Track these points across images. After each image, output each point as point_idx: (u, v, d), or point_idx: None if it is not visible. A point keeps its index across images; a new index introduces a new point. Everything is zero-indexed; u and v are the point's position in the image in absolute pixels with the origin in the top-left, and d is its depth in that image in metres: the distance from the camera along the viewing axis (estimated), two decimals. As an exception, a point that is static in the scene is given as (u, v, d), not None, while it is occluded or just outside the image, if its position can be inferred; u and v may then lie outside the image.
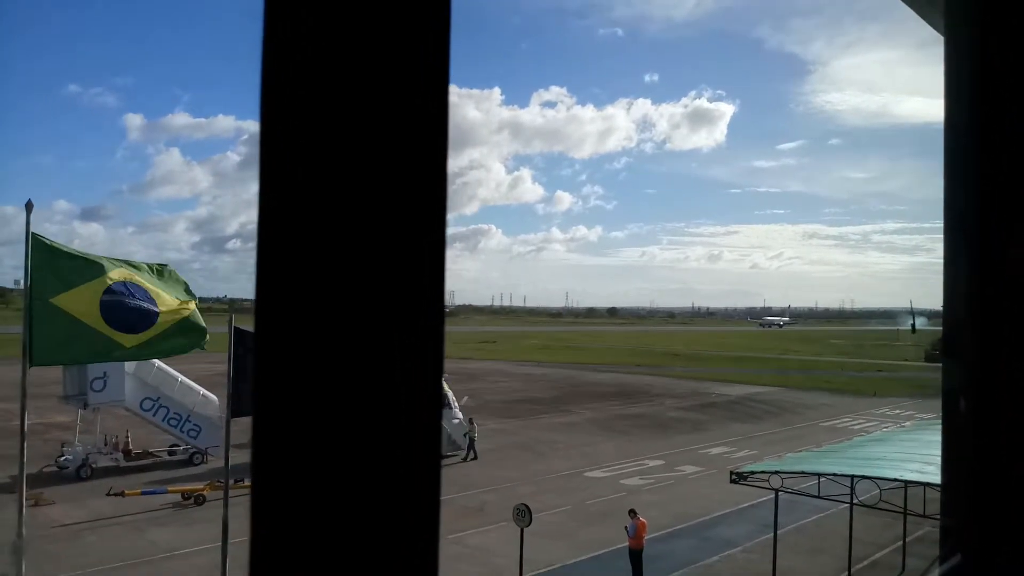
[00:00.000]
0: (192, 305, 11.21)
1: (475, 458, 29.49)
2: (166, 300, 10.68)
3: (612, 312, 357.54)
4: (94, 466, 25.60)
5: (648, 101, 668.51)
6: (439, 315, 0.68)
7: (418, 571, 0.66)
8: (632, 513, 17.96)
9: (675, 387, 56.47)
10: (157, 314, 10.44)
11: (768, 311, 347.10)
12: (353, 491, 0.65)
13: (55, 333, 9.54)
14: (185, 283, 11.52)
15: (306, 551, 0.64)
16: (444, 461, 25.95)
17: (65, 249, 10.00)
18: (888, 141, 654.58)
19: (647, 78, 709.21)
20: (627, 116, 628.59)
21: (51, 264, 9.49)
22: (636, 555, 17.43)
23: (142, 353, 10.95)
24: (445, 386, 15.63)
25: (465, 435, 29.64)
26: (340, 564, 0.65)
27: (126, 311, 10.07)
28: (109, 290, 9.95)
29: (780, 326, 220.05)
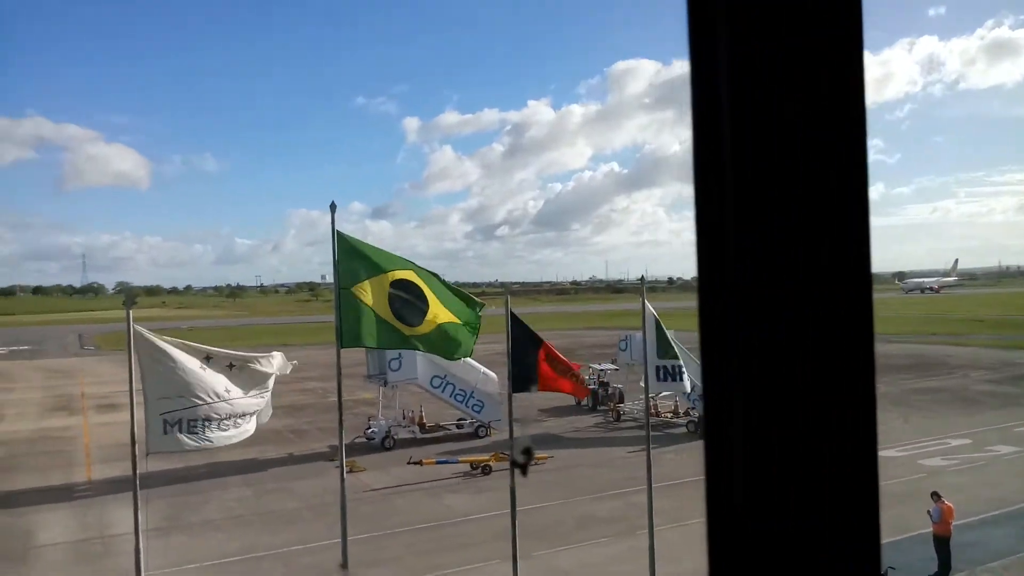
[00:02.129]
0: (457, 318, 11.76)
1: None
2: (437, 306, 11.45)
3: (899, 276, 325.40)
4: (395, 437, 28.57)
5: (935, 38, 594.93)
6: (867, 301, 0.68)
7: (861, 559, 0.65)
8: (936, 496, 16.23)
9: (980, 357, 50.00)
10: (424, 313, 11.27)
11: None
12: (795, 477, 0.66)
13: (356, 319, 10.71)
14: (472, 301, 12.15)
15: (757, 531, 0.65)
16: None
17: (363, 244, 11.13)
18: None
19: (931, 12, 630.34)
20: (909, 57, 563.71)
21: (352, 258, 10.65)
22: (942, 542, 15.75)
23: (416, 345, 11.81)
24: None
25: None
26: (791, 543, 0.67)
27: (405, 305, 11.06)
28: (394, 284, 10.97)
29: (935, 290, 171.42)
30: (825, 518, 0.66)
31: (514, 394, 12.33)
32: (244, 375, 10.11)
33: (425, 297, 11.28)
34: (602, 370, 37.50)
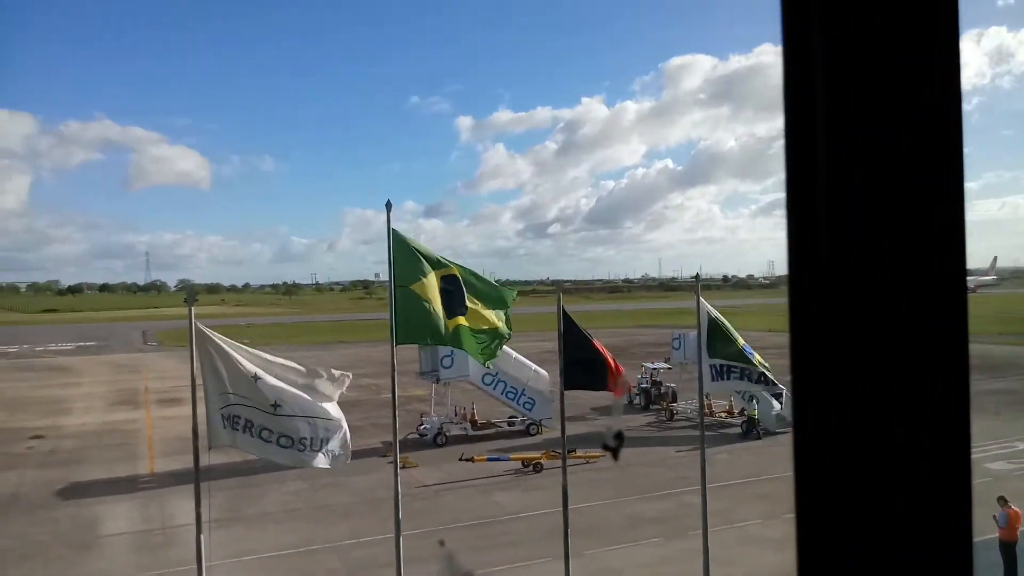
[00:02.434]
0: (494, 323, 11.65)
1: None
2: (477, 307, 11.43)
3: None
4: (447, 434, 28.78)
5: (1003, 28, 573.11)
6: (961, 301, 0.65)
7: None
8: (1002, 501, 15.68)
9: (1051, 359, 48.09)
10: (464, 311, 11.29)
11: None
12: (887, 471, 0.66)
13: (411, 316, 10.82)
14: (505, 299, 12.07)
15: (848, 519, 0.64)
16: (778, 438, 24.84)
17: (416, 243, 11.24)
18: None
19: (1000, 2, 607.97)
20: (977, 49, 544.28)
21: (406, 255, 10.77)
22: (1008, 547, 15.25)
23: (457, 340, 11.71)
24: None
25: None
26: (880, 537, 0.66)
27: (451, 298, 11.11)
28: (444, 279, 11.04)
29: (971, 290, 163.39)
30: (917, 525, 0.63)
31: (565, 391, 12.30)
32: (300, 394, 9.99)
33: (464, 298, 11.36)
34: (655, 369, 37.15)
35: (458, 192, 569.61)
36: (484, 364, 12.76)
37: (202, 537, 9.75)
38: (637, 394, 36.56)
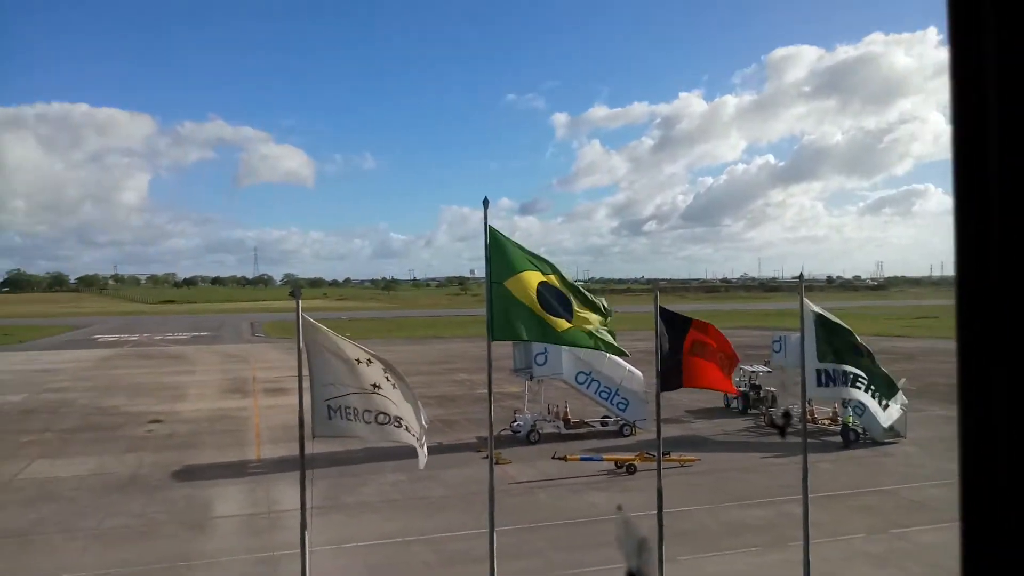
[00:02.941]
0: (596, 319, 11.50)
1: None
2: (579, 308, 11.34)
3: None
4: (540, 432, 28.85)
5: None
6: None
7: None
8: None
9: None
10: (571, 312, 11.21)
11: None
12: None
13: (506, 313, 10.87)
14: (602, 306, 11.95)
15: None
16: (884, 449, 23.77)
17: (512, 241, 11.26)
18: None
19: None
20: None
21: (503, 252, 10.84)
22: None
23: (570, 339, 11.57)
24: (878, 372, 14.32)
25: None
26: None
27: (554, 299, 11.04)
28: (542, 283, 11.02)
29: None
30: None
31: (662, 393, 12.12)
32: (399, 382, 10.26)
33: (569, 301, 11.28)
34: (754, 372, 36.14)
35: (553, 189, 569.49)
36: (602, 351, 12.52)
37: (307, 522, 10.11)
38: (735, 397, 35.68)
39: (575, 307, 11.26)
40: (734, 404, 35.62)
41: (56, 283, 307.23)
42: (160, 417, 34.99)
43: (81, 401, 39.85)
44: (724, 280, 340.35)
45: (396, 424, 10.18)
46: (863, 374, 13.08)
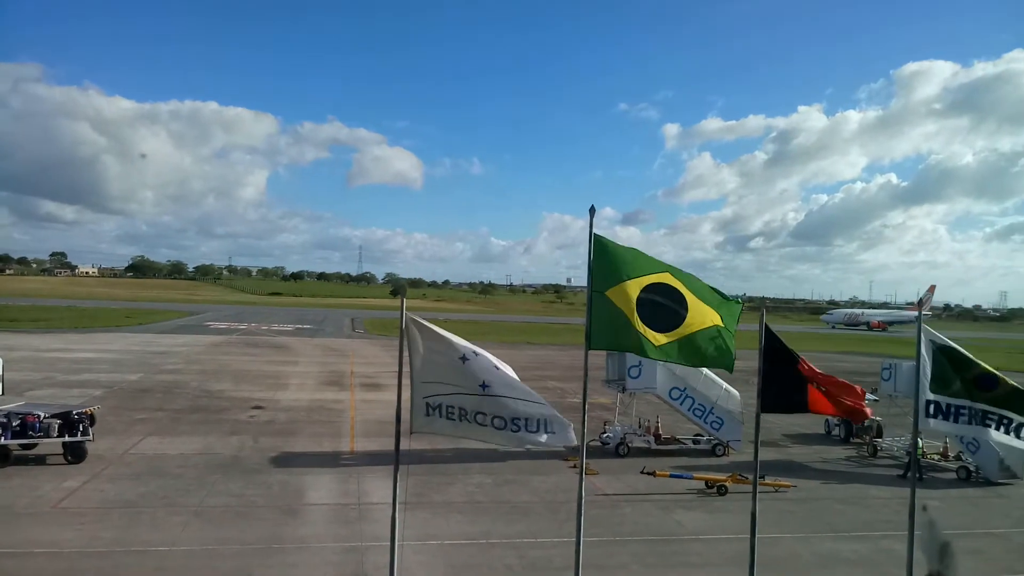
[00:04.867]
0: (720, 320, 10.89)
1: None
2: (699, 307, 10.85)
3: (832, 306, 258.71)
4: (630, 445, 28.45)
5: None
6: None
7: None
8: None
9: None
10: (683, 317, 10.75)
11: None
12: None
13: (605, 322, 10.72)
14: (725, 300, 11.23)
15: None
16: (998, 489, 22.25)
17: (619, 247, 11.01)
18: None
19: None
20: None
21: (606, 261, 10.70)
22: None
23: (667, 355, 11.00)
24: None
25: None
26: None
27: (657, 310, 10.61)
28: (646, 288, 10.67)
29: (873, 327, 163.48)
30: None
31: (762, 414, 11.71)
32: (507, 374, 10.19)
33: (684, 300, 10.72)
34: (858, 399, 34.50)
35: (658, 200, 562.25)
36: (707, 367, 11.72)
37: (397, 517, 10.29)
38: (837, 424, 34.21)
39: (690, 308, 10.64)
40: (835, 431, 34.17)
41: (175, 271, 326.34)
42: (262, 404, 36.47)
43: (191, 384, 42.01)
44: (831, 302, 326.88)
45: (514, 428, 9.96)
46: (994, 409, 12.04)
